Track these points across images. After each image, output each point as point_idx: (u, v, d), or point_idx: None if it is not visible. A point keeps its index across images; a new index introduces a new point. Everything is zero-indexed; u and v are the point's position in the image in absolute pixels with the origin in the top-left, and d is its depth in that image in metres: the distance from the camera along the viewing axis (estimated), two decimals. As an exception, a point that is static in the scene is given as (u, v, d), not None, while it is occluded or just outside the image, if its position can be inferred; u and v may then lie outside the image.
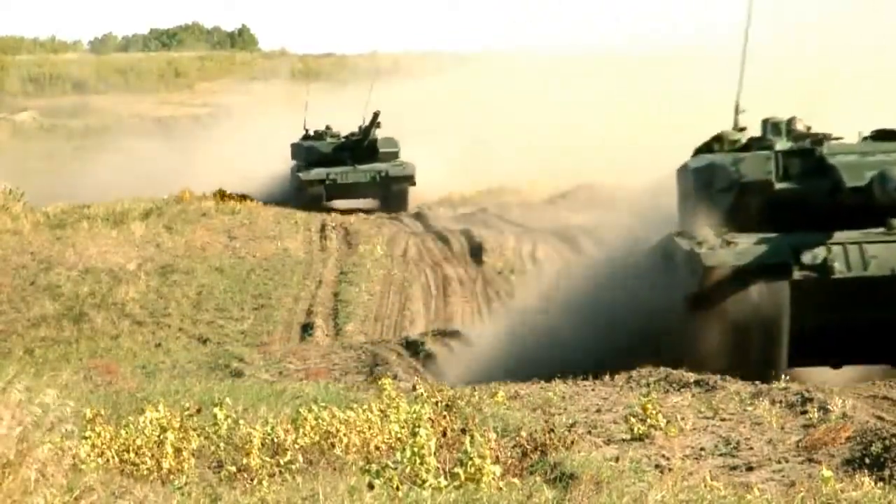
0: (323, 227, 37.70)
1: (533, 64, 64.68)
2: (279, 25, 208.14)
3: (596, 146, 47.39)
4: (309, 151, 49.99)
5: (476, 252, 34.61)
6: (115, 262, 31.54)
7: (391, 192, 49.06)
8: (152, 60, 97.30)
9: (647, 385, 19.64)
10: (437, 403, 13.99)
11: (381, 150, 49.65)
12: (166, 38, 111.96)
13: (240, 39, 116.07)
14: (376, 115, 48.72)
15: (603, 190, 43.91)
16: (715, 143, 19.69)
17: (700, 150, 20.00)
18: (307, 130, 51.52)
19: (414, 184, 49.15)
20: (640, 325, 19.82)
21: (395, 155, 49.89)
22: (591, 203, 42.32)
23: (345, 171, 48.99)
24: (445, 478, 10.28)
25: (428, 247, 36.00)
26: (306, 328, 27.68)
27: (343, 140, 50.47)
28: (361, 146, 49.57)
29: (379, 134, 49.88)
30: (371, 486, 9.79)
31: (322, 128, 51.35)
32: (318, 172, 48.93)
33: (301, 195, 48.38)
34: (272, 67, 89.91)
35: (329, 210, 47.05)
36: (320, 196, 48.49)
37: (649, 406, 14.54)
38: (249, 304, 29.05)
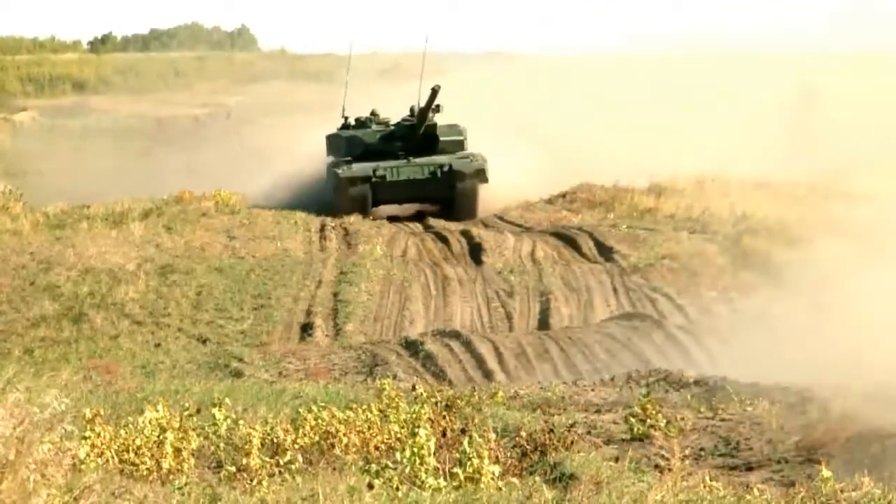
0: (323, 228, 37.62)
1: (539, 64, 64.70)
2: (279, 25, 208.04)
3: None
4: (350, 143, 40.62)
5: (476, 252, 34.62)
6: (115, 262, 31.52)
7: (456, 192, 39.57)
8: (152, 60, 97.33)
9: (647, 385, 19.68)
10: (436, 403, 13.99)
11: (443, 138, 40.31)
12: (166, 38, 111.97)
13: (239, 39, 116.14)
14: (435, 91, 39.31)
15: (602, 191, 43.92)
16: None
17: None
18: (346, 118, 42.06)
19: (486, 180, 39.71)
20: None
21: (459, 145, 40.42)
22: (590, 203, 42.35)
23: (396, 165, 39.61)
24: (445, 478, 10.28)
25: (427, 247, 35.97)
26: (306, 328, 27.67)
27: (393, 127, 41.08)
28: (416, 134, 40.22)
29: (439, 120, 40.54)
30: (371, 486, 9.79)
31: (367, 114, 42.19)
32: (361, 168, 39.50)
33: (341, 197, 39.44)
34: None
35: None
36: (364, 197, 39.41)
37: (649, 406, 14.56)
38: (249, 304, 29.03)
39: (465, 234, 36.77)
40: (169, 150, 59.68)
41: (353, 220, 38.07)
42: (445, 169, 39.42)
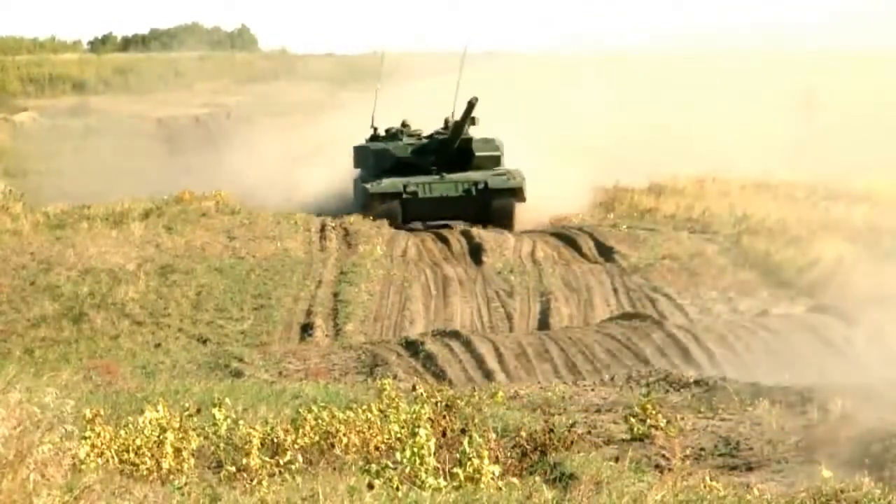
0: (323, 228, 37.59)
1: (539, 64, 64.60)
2: (279, 25, 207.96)
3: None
4: (379, 156, 38.58)
5: (476, 252, 34.61)
6: (115, 262, 31.51)
7: (492, 211, 37.69)
8: (152, 60, 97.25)
9: (647, 385, 19.69)
10: (437, 403, 13.99)
11: (478, 153, 38.33)
12: (166, 38, 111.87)
13: (239, 39, 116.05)
14: (472, 104, 37.21)
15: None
16: None
17: None
18: (375, 129, 39.98)
19: (523, 199, 37.71)
20: None
21: (495, 160, 38.46)
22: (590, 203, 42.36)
23: (428, 181, 37.77)
24: (445, 478, 10.29)
25: (428, 247, 35.95)
26: (306, 328, 27.66)
27: (426, 140, 39.05)
28: (450, 148, 38.14)
29: (474, 132, 38.49)
30: (371, 486, 9.79)
31: (397, 124, 40.17)
32: (391, 183, 37.66)
33: (369, 213, 37.57)
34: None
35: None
36: (394, 214, 37.65)
37: (649, 406, 14.57)
38: (249, 304, 29.02)
39: (465, 234, 36.76)
40: (169, 150, 59.71)
41: (353, 219, 38.03)
42: (480, 187, 37.61)
